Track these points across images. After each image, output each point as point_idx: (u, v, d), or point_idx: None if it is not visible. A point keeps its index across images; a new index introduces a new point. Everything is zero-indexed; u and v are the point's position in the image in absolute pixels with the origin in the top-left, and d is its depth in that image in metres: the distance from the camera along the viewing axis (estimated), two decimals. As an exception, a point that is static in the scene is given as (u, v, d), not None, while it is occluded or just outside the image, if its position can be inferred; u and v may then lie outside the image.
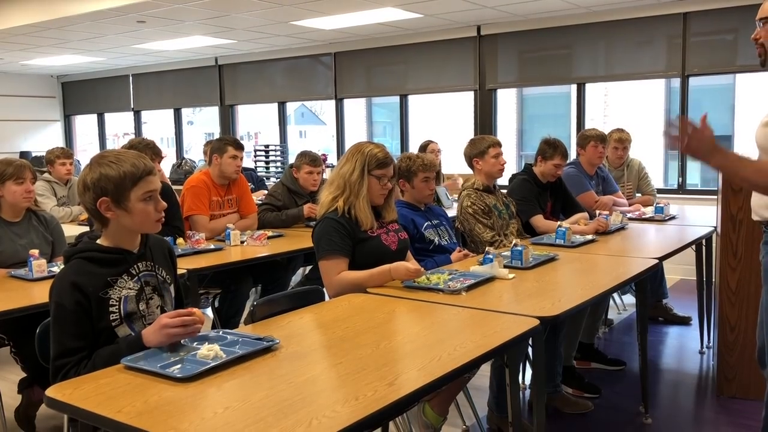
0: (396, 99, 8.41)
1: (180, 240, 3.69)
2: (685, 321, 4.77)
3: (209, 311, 4.11)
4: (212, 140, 5.59)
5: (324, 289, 2.75)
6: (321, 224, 2.82)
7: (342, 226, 2.78)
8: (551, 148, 4.03)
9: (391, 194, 2.97)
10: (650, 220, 4.49)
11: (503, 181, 4.48)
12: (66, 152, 5.36)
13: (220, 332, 2.03)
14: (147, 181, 1.96)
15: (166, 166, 8.54)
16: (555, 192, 4.19)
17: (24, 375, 3.14)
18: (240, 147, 4.22)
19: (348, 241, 2.77)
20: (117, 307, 1.94)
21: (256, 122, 16.76)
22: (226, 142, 4.21)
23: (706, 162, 2.14)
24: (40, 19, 6.65)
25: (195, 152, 11.46)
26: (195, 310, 1.91)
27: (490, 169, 3.77)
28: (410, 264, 2.71)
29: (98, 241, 2.00)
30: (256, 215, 4.42)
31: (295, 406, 1.54)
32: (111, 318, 1.93)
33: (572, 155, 4.55)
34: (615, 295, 4.96)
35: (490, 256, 2.88)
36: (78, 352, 1.86)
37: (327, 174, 6.80)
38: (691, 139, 2.12)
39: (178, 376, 1.69)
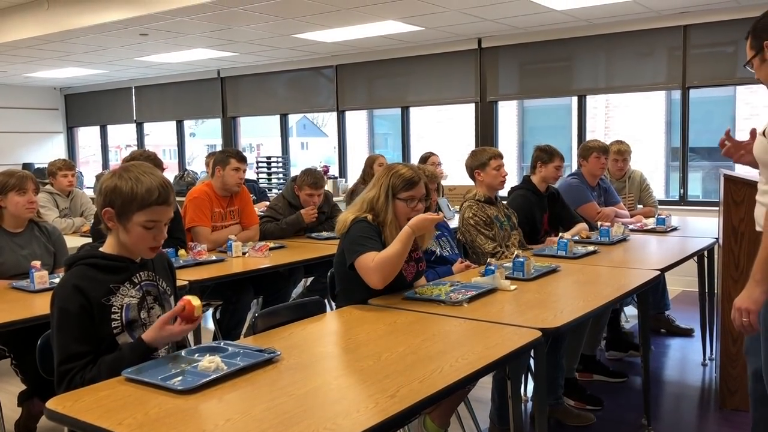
0: (397, 111, 8.43)
1: (182, 251, 3.69)
2: (687, 333, 4.76)
3: (210, 322, 4.10)
4: (215, 152, 5.61)
5: (325, 300, 2.74)
6: (355, 225, 2.69)
7: (375, 230, 2.69)
8: (547, 153, 4.11)
9: None
10: (652, 231, 4.49)
11: (503, 192, 4.49)
12: (68, 164, 5.38)
13: (222, 344, 2.03)
14: (154, 210, 1.94)
15: (168, 177, 8.55)
16: (553, 202, 4.22)
17: (24, 387, 3.14)
18: (243, 159, 4.23)
19: (381, 246, 2.66)
20: (119, 314, 1.94)
21: (258, 134, 16.82)
22: (229, 154, 4.22)
23: (758, 290, 2.19)
24: (44, 32, 6.68)
25: (197, 164, 11.50)
26: (188, 299, 1.90)
27: (492, 181, 3.78)
28: (427, 214, 2.65)
29: (101, 249, 2.01)
30: (258, 227, 4.43)
31: (296, 418, 1.54)
32: (113, 326, 1.93)
33: (574, 166, 4.57)
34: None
35: (492, 268, 2.88)
36: (83, 357, 1.85)
37: (329, 186, 6.82)
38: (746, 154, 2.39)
39: (179, 388, 1.69)
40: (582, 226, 4.19)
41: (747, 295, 2.18)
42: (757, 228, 2.48)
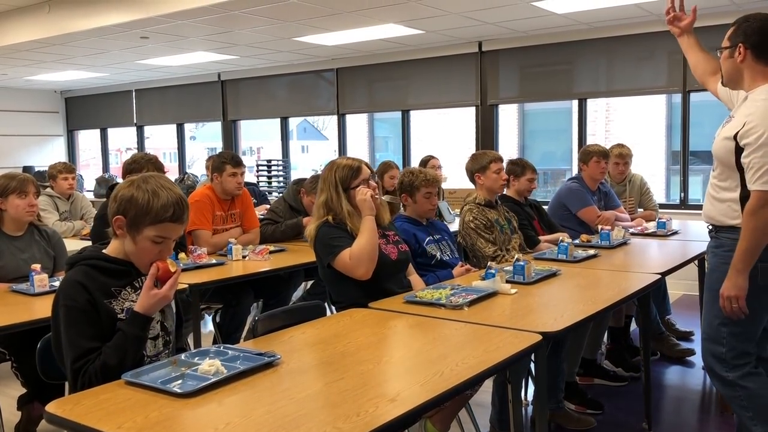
0: (398, 114, 8.44)
1: (182, 254, 3.68)
2: (687, 336, 4.75)
3: (210, 325, 4.09)
4: (214, 155, 5.61)
5: (325, 304, 2.75)
6: (320, 232, 2.83)
7: (339, 228, 2.82)
8: (519, 166, 4.16)
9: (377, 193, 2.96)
10: (652, 235, 4.49)
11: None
12: (68, 167, 5.38)
13: (221, 347, 2.02)
14: (167, 227, 1.93)
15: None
16: (537, 210, 4.31)
17: (24, 391, 3.13)
18: (238, 164, 4.19)
19: (350, 238, 2.80)
20: (123, 316, 1.93)
21: (258, 137, 16.84)
22: (224, 160, 4.18)
23: (741, 278, 2.38)
24: (45, 35, 6.69)
25: (197, 167, 11.49)
26: (156, 262, 1.92)
27: (492, 184, 3.79)
28: (359, 190, 2.79)
29: (105, 251, 2.00)
30: (259, 230, 4.42)
31: (296, 422, 1.54)
32: (118, 326, 1.91)
33: (575, 170, 4.57)
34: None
35: (492, 271, 2.88)
36: (95, 352, 1.84)
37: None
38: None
39: (179, 391, 1.68)
40: (562, 235, 4.25)
41: (732, 284, 2.38)
42: (705, 220, 2.61)
